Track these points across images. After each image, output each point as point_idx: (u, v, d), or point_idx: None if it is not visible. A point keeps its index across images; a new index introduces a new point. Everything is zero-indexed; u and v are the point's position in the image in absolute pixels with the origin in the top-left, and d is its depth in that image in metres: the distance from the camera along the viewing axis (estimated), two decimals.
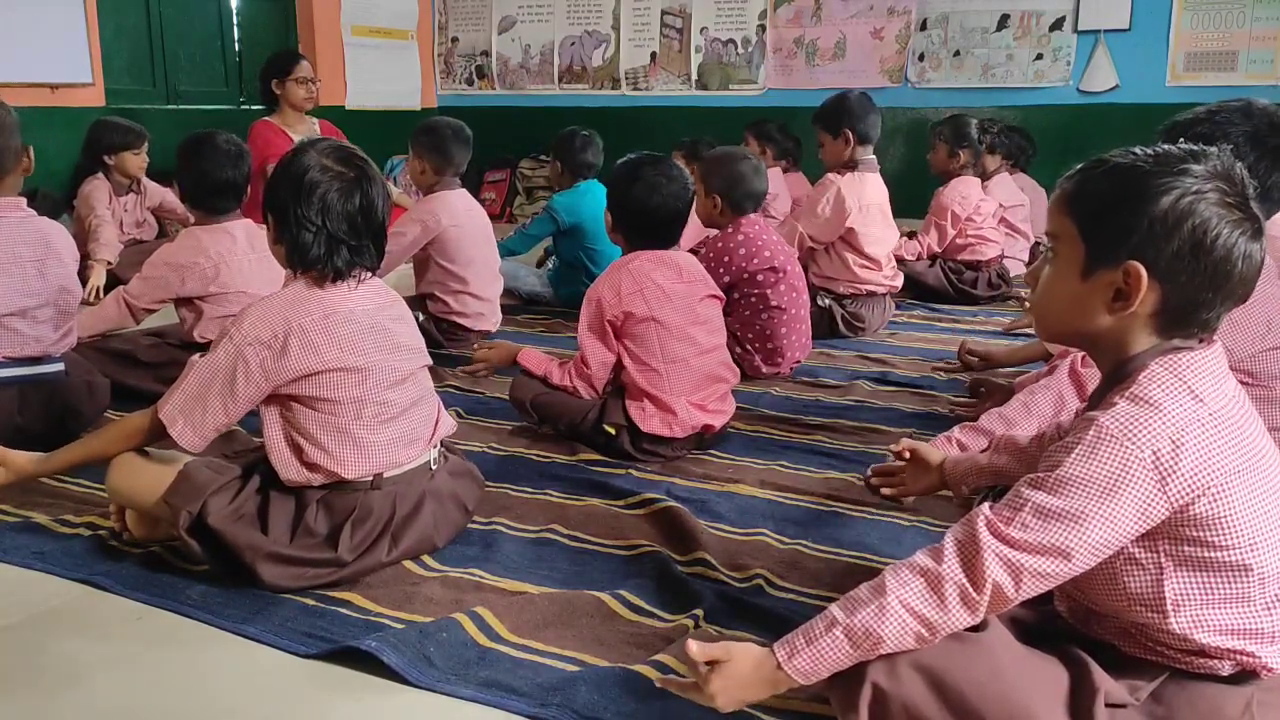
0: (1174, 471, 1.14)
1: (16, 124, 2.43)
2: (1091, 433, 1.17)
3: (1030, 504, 1.18)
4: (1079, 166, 1.27)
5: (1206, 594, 1.19)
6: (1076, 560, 1.17)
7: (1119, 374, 1.25)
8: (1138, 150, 1.23)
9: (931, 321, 4.36)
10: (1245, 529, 1.17)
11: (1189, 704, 1.22)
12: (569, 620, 1.74)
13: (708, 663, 1.27)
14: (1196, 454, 1.15)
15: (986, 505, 1.22)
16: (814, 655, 1.22)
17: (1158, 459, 1.14)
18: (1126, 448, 1.15)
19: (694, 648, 1.27)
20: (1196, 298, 1.19)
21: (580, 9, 7.57)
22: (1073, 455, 1.17)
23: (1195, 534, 1.17)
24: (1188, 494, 1.15)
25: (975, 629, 1.22)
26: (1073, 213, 1.25)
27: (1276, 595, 1.21)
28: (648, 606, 1.80)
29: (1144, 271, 1.18)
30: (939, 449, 1.92)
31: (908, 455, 1.85)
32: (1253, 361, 1.89)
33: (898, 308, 4.39)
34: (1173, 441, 1.15)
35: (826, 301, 4.00)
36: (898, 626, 1.19)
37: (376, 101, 7.42)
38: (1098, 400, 1.28)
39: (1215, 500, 1.16)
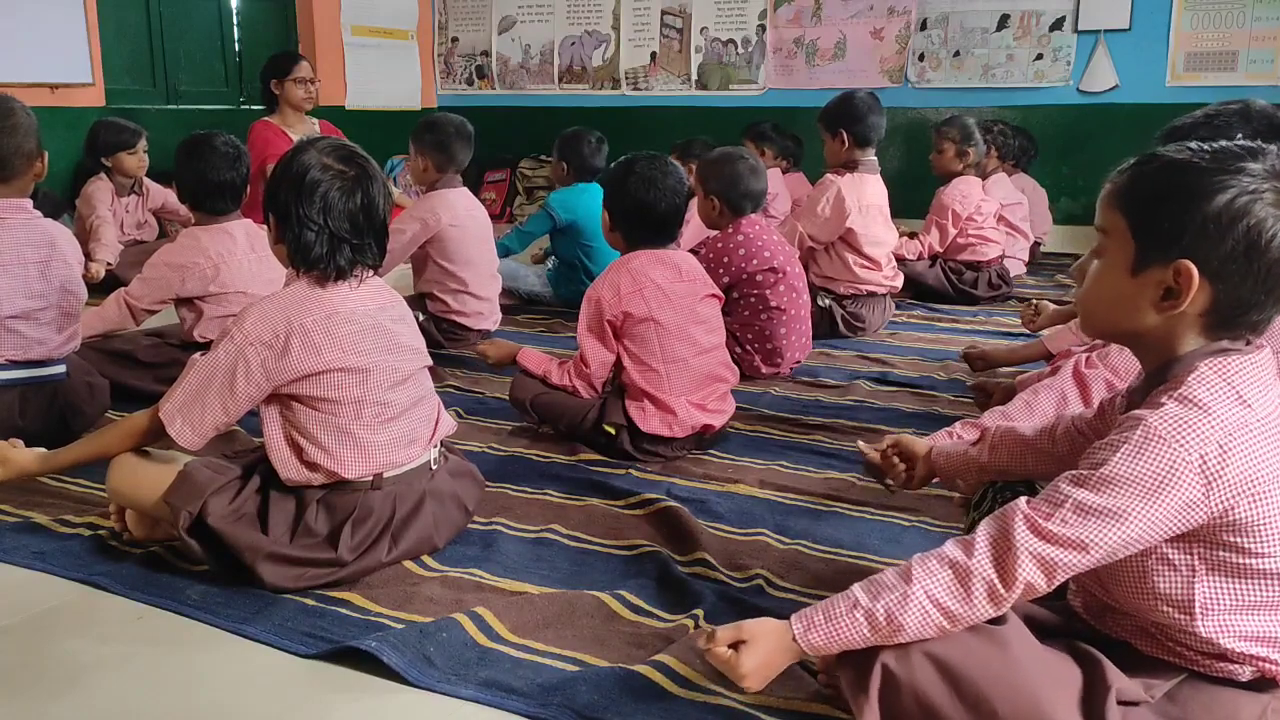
0: (1220, 476, 1.14)
1: (33, 128, 2.43)
2: (1139, 432, 1.16)
3: (1072, 500, 1.17)
4: (1132, 161, 1.25)
5: (1236, 599, 1.19)
6: (1107, 554, 1.17)
7: (1164, 373, 1.23)
8: (1193, 146, 1.20)
9: (931, 321, 4.36)
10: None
11: (1205, 707, 1.22)
12: (569, 620, 1.74)
13: (732, 645, 1.27)
14: (1242, 460, 1.14)
15: (1024, 500, 1.21)
16: (830, 633, 1.22)
17: (1205, 463, 1.14)
18: (1174, 449, 1.14)
19: (703, 641, 1.27)
20: (1248, 299, 1.18)
21: (580, 9, 7.57)
22: (1119, 454, 1.16)
23: (1232, 539, 1.17)
24: (1230, 500, 1.14)
25: (993, 621, 1.22)
26: (1124, 208, 1.23)
27: None
28: (648, 606, 1.80)
29: (1195, 271, 1.17)
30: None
31: (895, 458, 1.82)
32: None
33: (898, 308, 4.39)
34: (1220, 446, 1.14)
35: (826, 301, 4.00)
36: (920, 616, 1.19)
37: (376, 101, 7.42)
38: (1141, 398, 1.27)
39: (1256, 506, 1.15)
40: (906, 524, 2.16)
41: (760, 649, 1.26)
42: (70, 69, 5.55)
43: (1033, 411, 2.28)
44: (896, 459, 1.81)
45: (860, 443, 1.92)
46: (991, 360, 3.28)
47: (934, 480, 1.80)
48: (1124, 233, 1.23)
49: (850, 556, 2.01)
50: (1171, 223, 1.18)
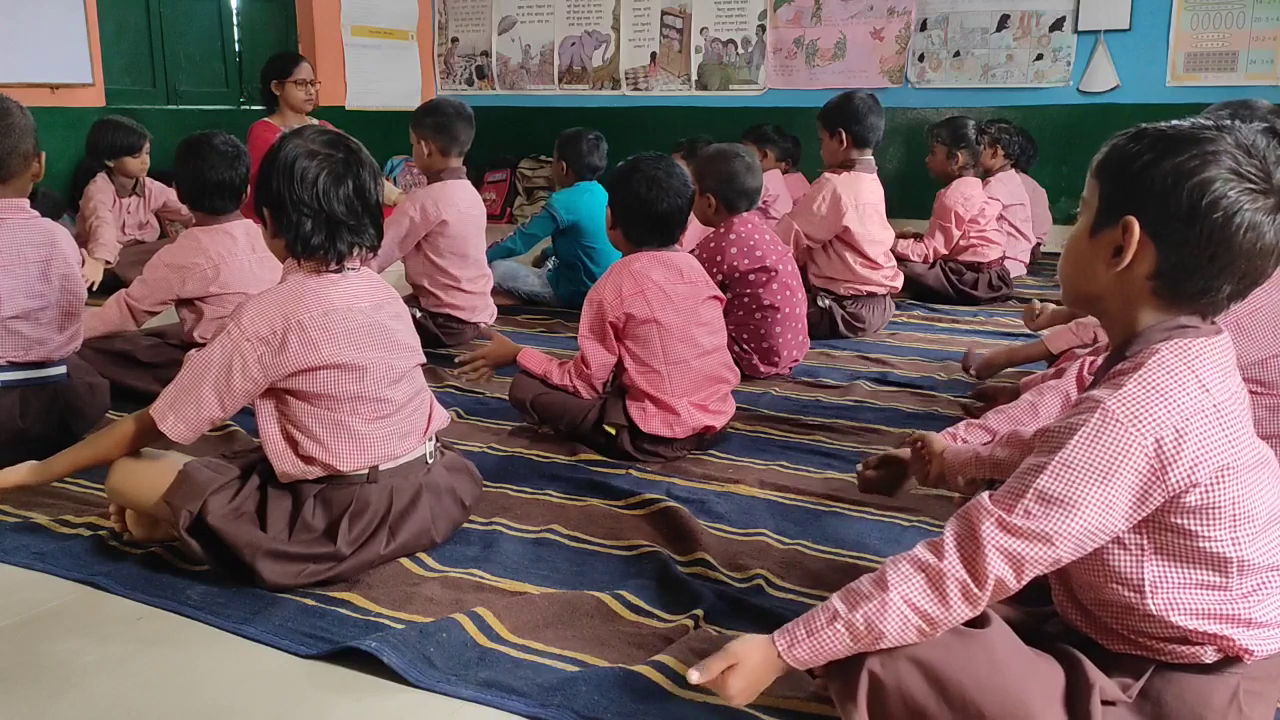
0: (1176, 460, 1.15)
1: (30, 128, 2.42)
2: (1097, 416, 1.17)
3: (1033, 490, 1.18)
4: (1119, 133, 1.28)
5: (1184, 579, 1.20)
6: (1073, 545, 1.17)
7: (1126, 349, 1.24)
8: (1176, 121, 1.22)
9: (931, 322, 4.36)
10: (1230, 522, 1.18)
11: (1177, 697, 1.23)
12: (569, 620, 1.74)
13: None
14: (1197, 444, 1.15)
15: (985, 494, 1.22)
16: (813, 646, 1.23)
17: (1160, 446, 1.14)
18: (1131, 433, 1.15)
19: (696, 676, 1.27)
20: (1191, 264, 1.18)
21: (580, 9, 7.57)
22: (1076, 437, 1.17)
23: (1180, 522, 1.18)
24: (1184, 483, 1.15)
25: (977, 624, 1.23)
26: (1098, 175, 1.26)
27: (1256, 585, 1.21)
28: (648, 606, 1.80)
29: (1136, 225, 1.18)
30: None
31: (920, 445, 1.85)
32: (1262, 369, 1.87)
33: (898, 308, 4.39)
34: (1176, 430, 1.15)
35: (826, 302, 4.00)
36: (899, 622, 1.20)
37: (376, 102, 7.42)
38: (1103, 373, 1.27)
39: (1207, 492, 1.16)
40: (906, 524, 2.16)
41: (746, 669, 1.27)
42: (70, 69, 5.55)
43: (1037, 413, 2.28)
44: (921, 451, 1.83)
45: (861, 468, 1.91)
46: (994, 364, 3.28)
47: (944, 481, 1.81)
48: (1095, 199, 1.26)
49: (850, 556, 2.01)
50: (1126, 183, 1.20)
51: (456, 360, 3.01)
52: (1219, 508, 1.17)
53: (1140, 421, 1.15)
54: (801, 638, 1.24)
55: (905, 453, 1.88)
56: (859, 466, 2.01)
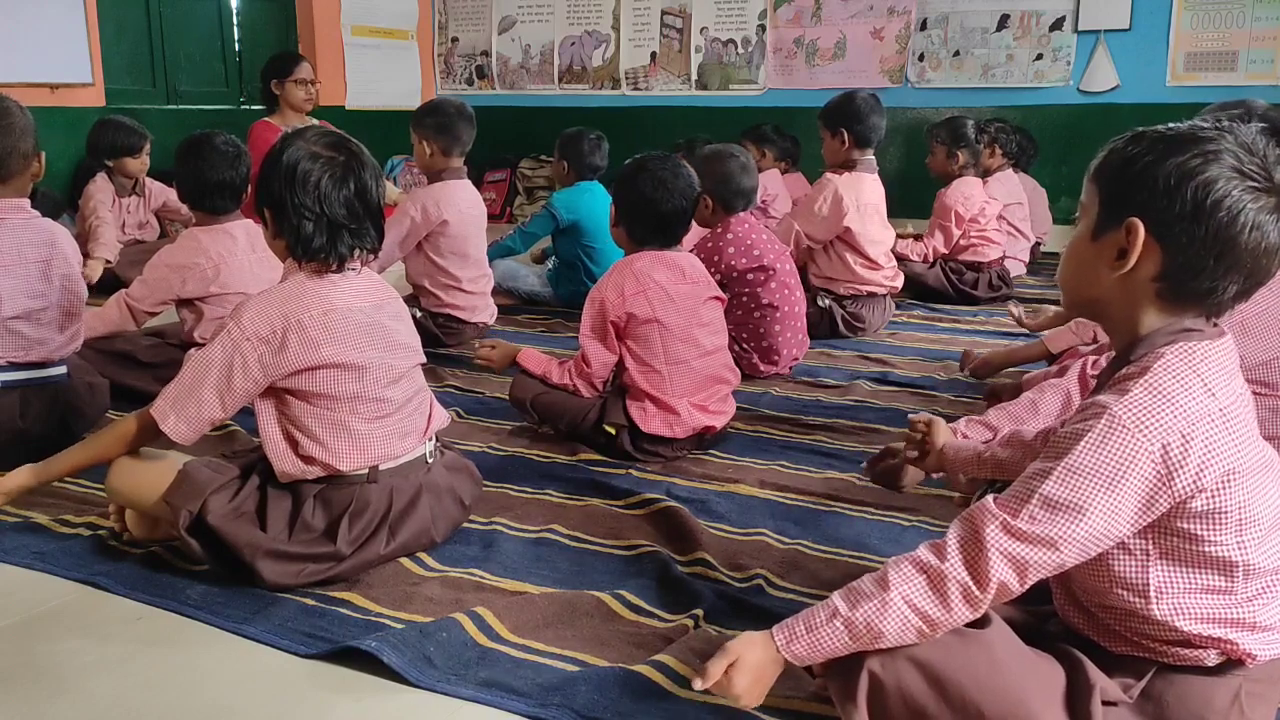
0: (1182, 466, 1.14)
1: (29, 127, 2.42)
2: (1104, 421, 1.16)
3: (1038, 495, 1.18)
4: (1116, 137, 1.28)
5: (1189, 583, 1.20)
6: (1078, 550, 1.17)
7: (1130, 353, 1.24)
8: (1174, 124, 1.22)
9: (931, 322, 4.36)
10: (1236, 527, 1.18)
11: (1179, 698, 1.23)
12: (569, 620, 1.74)
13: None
14: (1204, 450, 1.15)
15: (990, 498, 1.22)
16: (812, 643, 1.23)
17: (1167, 452, 1.14)
18: (1137, 439, 1.14)
19: (700, 684, 1.26)
20: (1197, 264, 1.17)
21: (580, 9, 7.57)
22: (1082, 443, 1.17)
23: (1185, 526, 1.18)
24: (1191, 489, 1.15)
25: (977, 624, 1.23)
26: (1096, 180, 1.26)
27: (1260, 588, 1.21)
28: (648, 606, 1.80)
29: (1141, 227, 1.18)
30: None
31: (923, 428, 1.84)
32: (1266, 370, 1.88)
33: (898, 308, 4.39)
34: (1183, 435, 1.14)
35: (826, 302, 4.00)
36: (899, 622, 1.20)
37: (376, 101, 7.42)
38: (1107, 378, 1.27)
39: (1213, 497, 1.16)
40: (906, 524, 2.16)
41: (748, 666, 1.26)
42: (70, 69, 5.55)
43: (1038, 411, 2.28)
44: (921, 433, 1.82)
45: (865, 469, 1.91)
46: (994, 365, 3.28)
47: (938, 475, 1.82)
48: (1095, 203, 1.25)
49: (850, 556, 2.01)
50: (1128, 185, 1.20)
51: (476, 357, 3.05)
52: (1225, 512, 1.17)
53: (1147, 427, 1.14)
54: (800, 633, 1.24)
55: (904, 446, 1.87)
56: (863, 465, 2.01)
